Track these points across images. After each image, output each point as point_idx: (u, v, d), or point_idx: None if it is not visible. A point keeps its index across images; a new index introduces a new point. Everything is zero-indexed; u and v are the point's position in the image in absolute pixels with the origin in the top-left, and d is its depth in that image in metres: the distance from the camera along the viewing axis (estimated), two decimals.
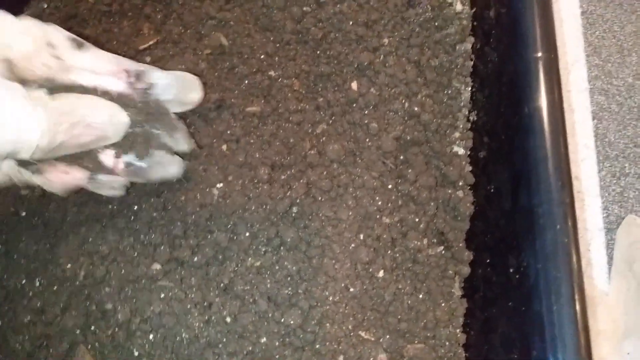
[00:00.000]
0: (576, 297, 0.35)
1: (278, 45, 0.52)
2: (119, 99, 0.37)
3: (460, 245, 0.47)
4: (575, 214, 0.37)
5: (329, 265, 0.42)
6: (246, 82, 0.51)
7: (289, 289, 0.41)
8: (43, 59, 0.33)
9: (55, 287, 0.41)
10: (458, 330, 0.45)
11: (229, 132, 0.49)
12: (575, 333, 0.34)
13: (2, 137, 0.29)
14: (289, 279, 0.41)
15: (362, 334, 0.41)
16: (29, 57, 0.32)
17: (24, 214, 0.44)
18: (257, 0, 0.53)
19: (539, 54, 0.43)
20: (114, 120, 0.36)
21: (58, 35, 0.34)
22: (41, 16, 0.52)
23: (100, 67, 0.36)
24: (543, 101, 0.40)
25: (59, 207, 0.43)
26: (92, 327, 0.40)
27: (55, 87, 0.34)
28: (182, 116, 0.48)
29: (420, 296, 0.44)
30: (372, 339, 0.42)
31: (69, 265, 0.41)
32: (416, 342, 0.43)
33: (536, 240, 0.37)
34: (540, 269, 0.36)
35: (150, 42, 0.52)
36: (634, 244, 0.56)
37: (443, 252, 0.46)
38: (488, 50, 0.51)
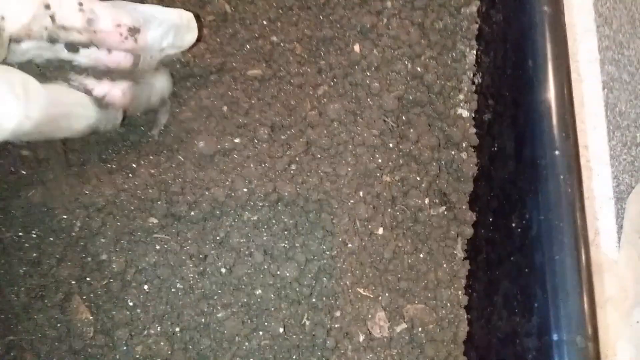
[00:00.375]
0: (581, 246, 0.34)
1: (281, 11, 0.51)
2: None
3: (463, 206, 0.46)
4: (580, 164, 0.36)
5: (327, 220, 0.41)
6: (248, 47, 0.50)
7: (286, 242, 0.40)
8: (39, 25, 0.30)
9: (51, 239, 0.41)
10: (460, 292, 0.44)
11: (229, 93, 0.48)
12: (578, 282, 0.33)
13: None
14: (285, 232, 0.41)
15: (360, 290, 0.41)
16: (25, 27, 0.30)
17: (23, 172, 0.44)
18: None
19: (544, 8, 0.42)
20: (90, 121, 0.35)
21: None
22: None
23: (97, 25, 0.34)
24: (548, 52, 0.39)
25: (59, 166, 0.43)
26: (87, 278, 0.40)
27: (46, 64, 0.33)
28: (184, 78, 0.48)
29: (421, 256, 0.43)
30: (371, 296, 0.41)
31: (64, 217, 0.41)
32: (416, 302, 0.42)
33: (539, 192, 0.36)
34: (542, 220, 0.35)
35: None
36: None
37: (445, 212, 0.45)
38: (493, 12, 0.50)
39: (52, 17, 0.30)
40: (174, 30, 0.39)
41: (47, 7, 0.30)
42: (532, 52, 0.40)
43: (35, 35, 0.30)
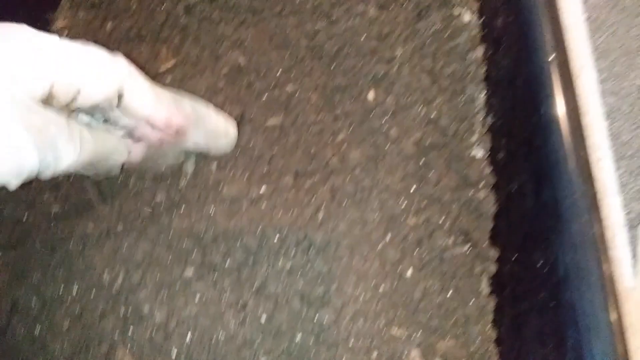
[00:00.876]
0: (606, 286, 0.36)
1: (294, 61, 0.54)
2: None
3: (486, 243, 0.47)
4: (598, 205, 0.38)
5: (358, 264, 0.43)
6: (265, 97, 0.53)
7: (321, 288, 0.42)
8: (106, 106, 0.32)
9: (92, 294, 0.42)
10: (488, 327, 0.45)
11: (251, 144, 0.50)
12: (608, 322, 0.35)
13: (44, 159, 0.28)
14: (320, 279, 0.42)
15: (394, 330, 0.42)
16: (94, 106, 0.31)
17: (58, 228, 0.46)
18: (271, 19, 0.55)
19: (551, 58, 0.45)
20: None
21: (134, 84, 0.32)
22: None
23: (153, 121, 0.34)
24: (559, 102, 0.42)
25: (93, 221, 0.45)
26: (130, 330, 0.41)
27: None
28: None
29: (449, 294, 0.45)
30: (404, 335, 0.42)
31: (105, 273, 0.42)
32: (448, 338, 0.44)
33: (563, 233, 0.38)
34: (569, 261, 0.37)
35: (169, 65, 0.54)
36: None
37: (469, 250, 0.47)
38: (499, 56, 0.53)
39: (119, 101, 0.32)
40: (213, 135, 0.41)
41: (121, 95, 0.31)
42: (542, 103, 0.43)
43: (97, 112, 0.32)
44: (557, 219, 0.39)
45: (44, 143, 0.27)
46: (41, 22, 0.59)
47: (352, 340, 0.41)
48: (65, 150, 0.29)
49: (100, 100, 0.30)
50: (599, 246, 0.37)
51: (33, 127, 0.26)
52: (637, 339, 0.51)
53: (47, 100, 0.28)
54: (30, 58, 0.28)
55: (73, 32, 0.58)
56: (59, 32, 0.58)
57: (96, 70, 0.30)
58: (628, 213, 0.60)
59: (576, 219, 0.38)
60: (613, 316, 0.35)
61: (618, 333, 0.35)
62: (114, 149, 0.35)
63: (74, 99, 0.29)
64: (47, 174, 0.28)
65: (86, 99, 0.30)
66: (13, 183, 0.27)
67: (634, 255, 0.57)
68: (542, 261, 0.41)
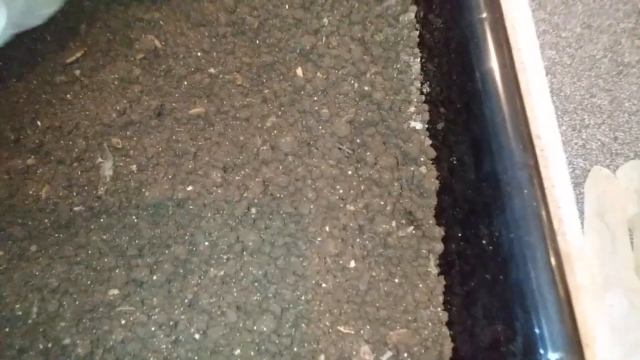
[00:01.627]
0: (552, 261, 0.34)
1: (214, 40, 0.49)
2: None
3: (430, 222, 0.45)
4: (541, 175, 0.36)
5: (297, 263, 0.40)
6: (185, 83, 0.48)
7: (258, 294, 0.39)
8: None
9: (7, 329, 0.38)
10: (439, 309, 0.43)
11: (174, 137, 0.46)
12: (556, 299, 0.33)
13: None
14: (256, 284, 0.39)
15: (341, 328, 0.40)
16: None
17: None
18: None
19: (484, 15, 0.42)
20: None
21: None
22: None
23: None
24: (494, 63, 0.39)
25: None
26: None
27: None
28: (122, 128, 0.46)
29: (396, 280, 0.43)
30: (352, 332, 0.40)
31: (17, 305, 0.38)
32: (398, 327, 0.42)
33: (505, 208, 0.36)
34: (513, 237, 0.35)
35: (77, 55, 0.49)
36: (602, 195, 0.55)
37: (414, 231, 0.44)
38: (432, 17, 0.50)
39: None
40: None
41: None
42: (477, 64, 0.40)
43: None
44: (498, 194, 0.37)
45: None
46: None
47: (296, 346, 0.38)
48: None
49: None
50: (542, 222, 0.35)
51: None
52: (589, 299, 0.51)
53: None
54: None
55: None
56: None
57: None
58: (572, 170, 0.59)
59: (517, 194, 0.36)
60: (561, 295, 0.33)
61: (566, 306, 0.33)
62: None
63: None
64: None
65: None
66: None
67: (582, 214, 0.57)
68: (487, 237, 0.39)
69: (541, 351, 0.33)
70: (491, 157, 0.38)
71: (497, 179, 0.37)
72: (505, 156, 0.36)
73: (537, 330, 0.33)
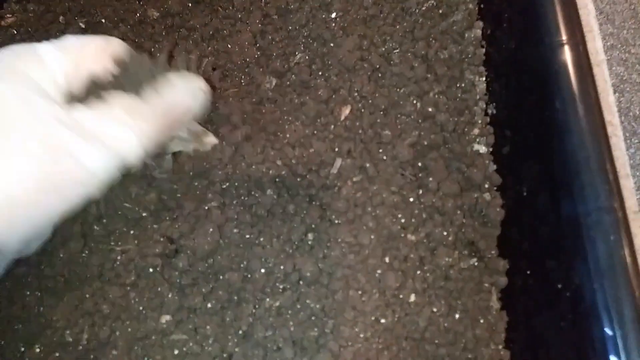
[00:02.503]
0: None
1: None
2: None
3: (493, 253, 0.43)
4: (629, 220, 0.33)
5: (356, 297, 0.38)
6: None
7: (315, 329, 0.37)
8: None
9: (57, 354, 0.37)
10: (500, 347, 0.41)
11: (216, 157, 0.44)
12: None
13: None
14: (313, 318, 0.37)
15: None
16: None
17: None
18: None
19: (563, 39, 0.39)
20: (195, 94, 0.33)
21: None
22: None
23: None
24: (577, 95, 0.36)
25: (52, 265, 0.39)
26: None
27: None
28: None
29: (457, 315, 0.40)
30: None
31: (67, 331, 0.37)
32: None
33: (587, 255, 0.33)
34: (597, 289, 0.32)
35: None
36: None
37: (476, 263, 0.42)
38: (500, 35, 0.47)
39: None
40: None
41: None
42: (557, 92, 0.37)
43: None
44: (578, 236, 0.34)
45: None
46: None
47: None
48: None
49: None
50: (629, 273, 0.32)
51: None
52: None
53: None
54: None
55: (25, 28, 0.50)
56: (8, 30, 0.51)
57: None
58: None
59: (602, 240, 0.33)
60: None
61: None
62: None
63: None
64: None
65: None
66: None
67: None
68: (560, 281, 0.36)
69: None
70: (571, 195, 0.35)
71: (577, 222, 0.34)
72: (589, 197, 0.34)
73: None
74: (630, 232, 0.33)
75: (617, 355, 0.31)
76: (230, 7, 0.50)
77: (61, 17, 0.51)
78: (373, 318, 0.38)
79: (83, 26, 0.50)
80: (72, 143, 0.25)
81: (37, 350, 0.37)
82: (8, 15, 0.52)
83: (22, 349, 0.37)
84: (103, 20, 0.50)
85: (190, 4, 0.50)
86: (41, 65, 0.28)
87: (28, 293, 0.39)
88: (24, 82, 0.27)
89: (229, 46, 0.48)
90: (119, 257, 0.39)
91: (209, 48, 0.48)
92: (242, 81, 0.46)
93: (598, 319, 0.32)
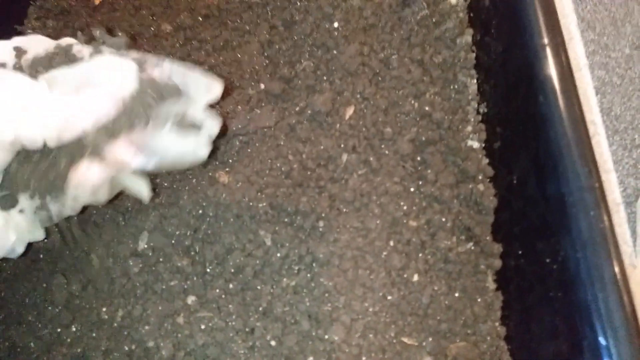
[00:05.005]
0: (620, 281, 0.35)
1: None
2: None
3: (488, 238, 0.47)
4: (606, 197, 0.38)
5: (364, 276, 0.42)
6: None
7: (329, 304, 0.41)
8: None
9: (93, 332, 0.40)
10: (497, 324, 0.45)
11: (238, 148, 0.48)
12: (625, 320, 0.34)
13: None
14: (326, 294, 0.41)
15: (405, 340, 0.41)
16: None
17: (44, 264, 0.44)
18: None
19: (545, 41, 0.44)
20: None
21: None
22: None
23: None
24: (558, 89, 0.40)
25: (81, 253, 0.43)
26: None
27: None
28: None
29: (456, 294, 0.44)
30: (415, 343, 0.42)
31: (104, 309, 0.40)
32: (458, 340, 0.43)
33: (572, 229, 0.37)
34: (580, 257, 0.36)
35: None
36: None
37: (472, 247, 0.46)
38: (489, 40, 0.51)
39: None
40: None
41: None
42: (541, 89, 0.41)
43: None
44: (563, 214, 0.39)
45: None
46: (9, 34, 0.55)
47: (364, 356, 0.40)
48: None
49: None
50: (609, 242, 0.36)
51: None
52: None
53: None
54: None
55: None
56: None
57: None
58: (624, 190, 0.60)
59: (584, 215, 0.37)
60: (630, 316, 0.34)
61: (633, 327, 0.35)
62: None
63: None
64: None
65: None
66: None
67: (633, 233, 0.58)
68: (550, 256, 0.40)
69: None
70: (556, 179, 0.39)
71: (562, 201, 0.38)
72: (571, 179, 0.38)
73: (603, 342, 0.34)
74: (608, 208, 0.37)
75: (600, 317, 0.34)
76: (239, 20, 0.54)
77: (79, 33, 0.55)
78: (381, 294, 0.42)
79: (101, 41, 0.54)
80: None
81: (74, 329, 0.41)
82: (29, 31, 0.56)
83: (59, 330, 0.41)
84: (120, 34, 0.54)
85: (200, 18, 0.54)
86: None
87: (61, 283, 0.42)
88: None
89: (239, 56, 0.52)
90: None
91: (220, 58, 0.52)
92: (252, 88, 0.50)
93: (582, 285, 0.36)
